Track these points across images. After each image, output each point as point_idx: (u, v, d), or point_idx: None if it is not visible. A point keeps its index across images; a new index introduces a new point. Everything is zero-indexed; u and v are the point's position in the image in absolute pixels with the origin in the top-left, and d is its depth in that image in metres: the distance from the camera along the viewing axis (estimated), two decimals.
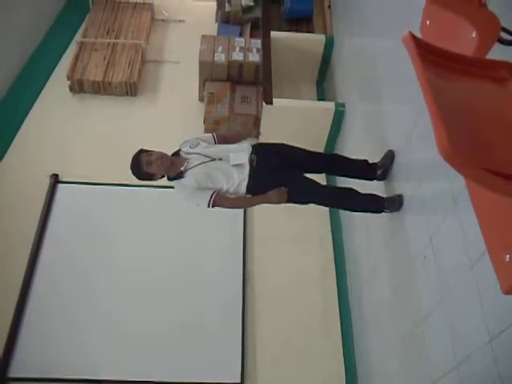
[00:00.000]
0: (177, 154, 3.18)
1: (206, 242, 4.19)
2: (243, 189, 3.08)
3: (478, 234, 2.04)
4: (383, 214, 3.17)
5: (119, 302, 3.86)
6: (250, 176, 3.06)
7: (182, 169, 3.07)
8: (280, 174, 3.12)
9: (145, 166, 3.01)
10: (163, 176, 3.13)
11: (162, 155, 3.05)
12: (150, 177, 3.08)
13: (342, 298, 4.02)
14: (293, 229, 4.36)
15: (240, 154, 3.12)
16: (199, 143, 3.20)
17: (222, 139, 3.31)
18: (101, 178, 4.50)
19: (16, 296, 3.82)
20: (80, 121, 5.05)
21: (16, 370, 3.55)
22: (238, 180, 3.05)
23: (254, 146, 3.19)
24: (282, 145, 3.29)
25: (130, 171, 3.07)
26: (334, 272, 4.18)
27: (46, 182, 4.45)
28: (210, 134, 3.33)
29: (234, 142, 3.28)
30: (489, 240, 1.94)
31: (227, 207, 3.13)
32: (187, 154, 3.15)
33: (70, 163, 4.66)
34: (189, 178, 3.04)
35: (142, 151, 3.06)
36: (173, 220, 4.27)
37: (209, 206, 3.00)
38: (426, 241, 2.63)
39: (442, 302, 2.43)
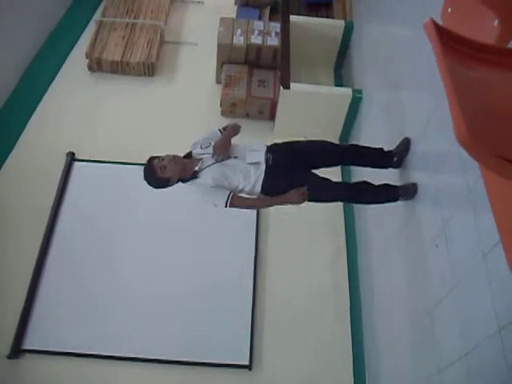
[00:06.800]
0: (188, 156, 3.09)
1: (219, 226, 4.20)
2: (258, 187, 3.03)
3: (491, 224, 2.05)
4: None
5: (133, 280, 3.91)
6: (265, 174, 3.02)
7: (197, 168, 3.00)
8: (296, 173, 3.09)
9: (159, 172, 2.90)
10: (179, 180, 3.02)
11: (174, 156, 2.95)
12: (166, 182, 2.96)
13: (353, 283, 4.03)
14: (306, 213, 4.35)
15: (256, 152, 3.09)
16: (210, 143, 3.11)
17: (225, 130, 3.19)
18: (117, 157, 4.53)
19: (31, 269, 3.88)
20: (97, 100, 5.08)
21: (30, 342, 3.62)
22: (254, 177, 3.01)
23: (268, 146, 3.17)
24: (297, 142, 3.26)
25: (145, 181, 2.96)
26: (346, 257, 4.20)
27: (63, 160, 4.49)
28: (216, 129, 3.21)
29: (235, 131, 3.18)
30: (503, 230, 1.94)
31: (244, 208, 3.06)
32: (200, 154, 3.08)
33: (86, 141, 4.69)
34: (205, 177, 2.97)
35: (152, 158, 2.96)
36: (187, 202, 4.28)
37: (226, 206, 2.93)
38: (438, 229, 2.63)
39: (453, 291, 2.43)
